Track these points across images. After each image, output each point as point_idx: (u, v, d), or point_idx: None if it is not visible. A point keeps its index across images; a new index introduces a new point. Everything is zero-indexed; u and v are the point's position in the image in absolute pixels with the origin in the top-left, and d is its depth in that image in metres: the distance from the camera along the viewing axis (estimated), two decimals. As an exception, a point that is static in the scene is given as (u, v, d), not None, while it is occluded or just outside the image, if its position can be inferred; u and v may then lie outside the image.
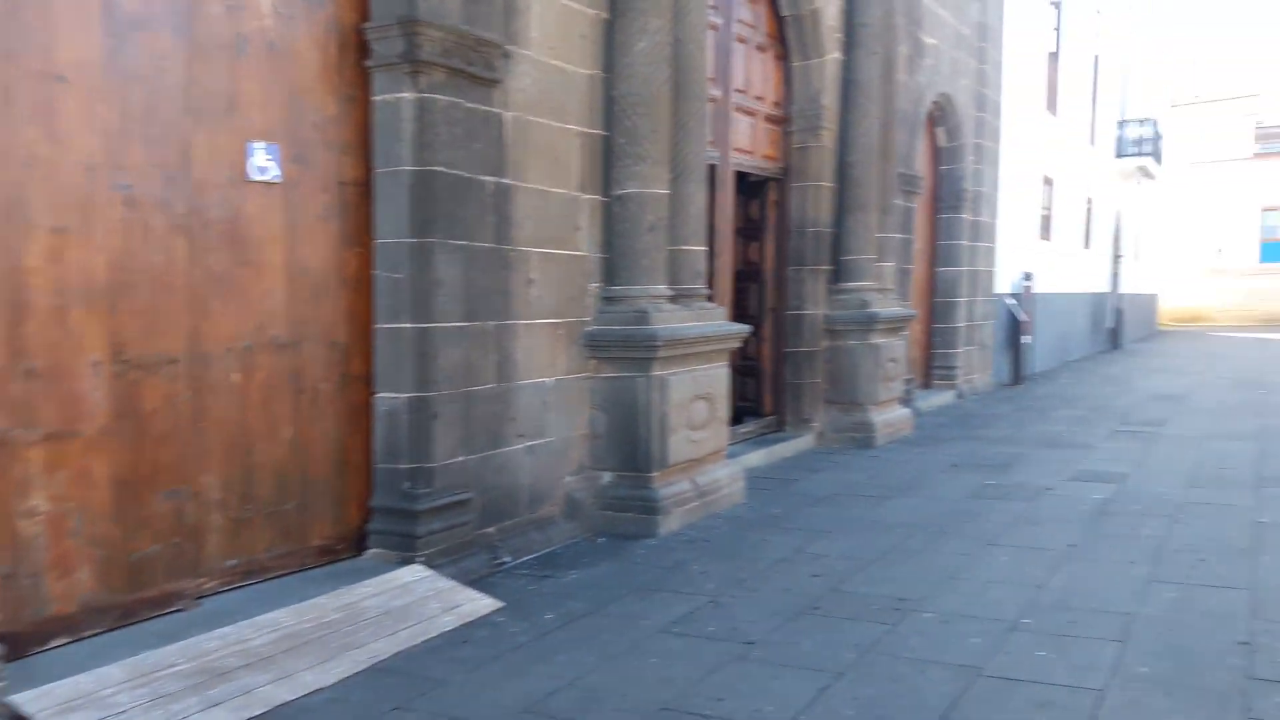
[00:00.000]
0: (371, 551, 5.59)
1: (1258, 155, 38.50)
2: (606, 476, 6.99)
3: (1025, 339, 16.55)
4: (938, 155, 13.69)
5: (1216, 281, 39.07)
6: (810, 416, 10.41)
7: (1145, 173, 26.06)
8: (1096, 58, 22.47)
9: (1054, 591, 5.42)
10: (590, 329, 6.88)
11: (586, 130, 6.80)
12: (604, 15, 6.83)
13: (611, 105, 6.91)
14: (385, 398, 5.56)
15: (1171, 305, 39.36)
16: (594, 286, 6.95)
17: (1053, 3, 18.42)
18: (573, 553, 6.42)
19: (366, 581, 5.16)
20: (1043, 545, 6.37)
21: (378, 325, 5.58)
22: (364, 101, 5.50)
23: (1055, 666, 4.37)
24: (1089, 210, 22.74)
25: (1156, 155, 26.94)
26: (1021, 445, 10.41)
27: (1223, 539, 6.44)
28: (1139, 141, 25.01)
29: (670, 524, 6.88)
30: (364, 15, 5.45)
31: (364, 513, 5.66)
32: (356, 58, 5.46)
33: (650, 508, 6.81)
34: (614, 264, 7.00)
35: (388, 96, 5.43)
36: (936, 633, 4.83)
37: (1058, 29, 18.76)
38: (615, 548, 6.52)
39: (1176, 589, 5.40)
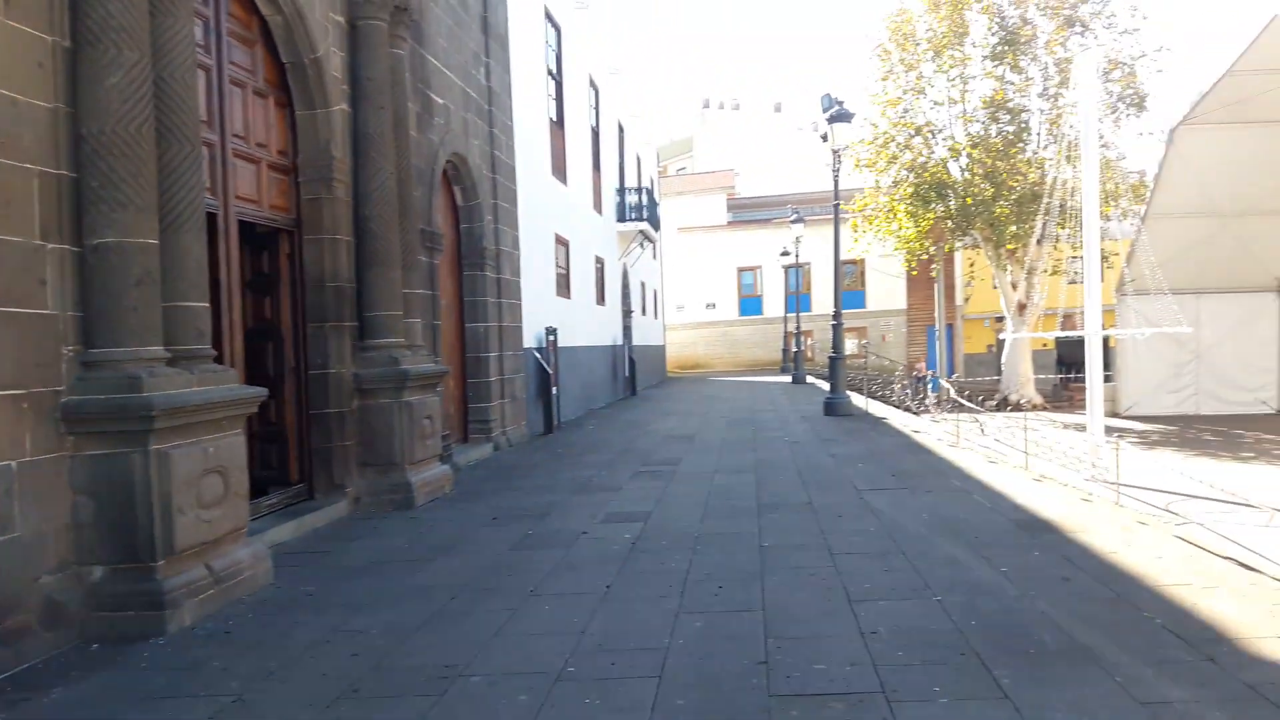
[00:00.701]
0: None
1: (731, 224, 45.09)
2: (98, 572, 5.92)
3: (554, 390, 17.40)
4: (458, 213, 13.96)
5: (710, 332, 44.83)
6: (344, 482, 9.85)
7: (645, 236, 29.11)
8: (595, 130, 24.71)
9: (595, 635, 5.54)
10: (67, 400, 5.82)
11: (49, 170, 5.80)
12: (65, 43, 5.92)
13: (82, 144, 5.98)
14: None
15: (676, 354, 44.36)
16: (69, 350, 5.91)
17: (552, 75, 19.90)
18: (58, 666, 5.32)
19: None
20: (582, 590, 6.54)
21: None
22: None
23: (600, 713, 4.41)
24: (601, 270, 24.78)
25: (653, 221, 30.24)
26: (557, 492, 10.78)
27: (736, 566, 7.09)
28: (637, 208, 27.91)
29: (183, 618, 5.99)
30: None
31: None
32: None
33: (155, 602, 5.88)
34: (95, 324, 6.01)
35: None
36: (485, 695, 4.66)
37: (558, 99, 20.28)
38: (113, 654, 5.51)
39: (703, 618, 5.80)
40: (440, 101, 12.50)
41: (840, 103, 17.83)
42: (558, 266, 19.82)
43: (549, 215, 19.00)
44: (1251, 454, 16.01)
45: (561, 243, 20.09)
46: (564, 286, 20.36)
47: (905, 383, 24.91)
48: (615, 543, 8.00)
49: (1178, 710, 4.23)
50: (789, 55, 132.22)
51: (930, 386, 25.50)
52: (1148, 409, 23.47)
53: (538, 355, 17.00)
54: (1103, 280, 26.00)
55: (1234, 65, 18.79)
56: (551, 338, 17.66)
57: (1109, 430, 15.53)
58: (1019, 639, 5.18)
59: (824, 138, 18.31)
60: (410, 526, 9.14)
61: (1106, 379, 24.77)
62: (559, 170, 20.12)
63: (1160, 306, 19.18)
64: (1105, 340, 23.99)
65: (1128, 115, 26.45)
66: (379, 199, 10.06)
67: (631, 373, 28.05)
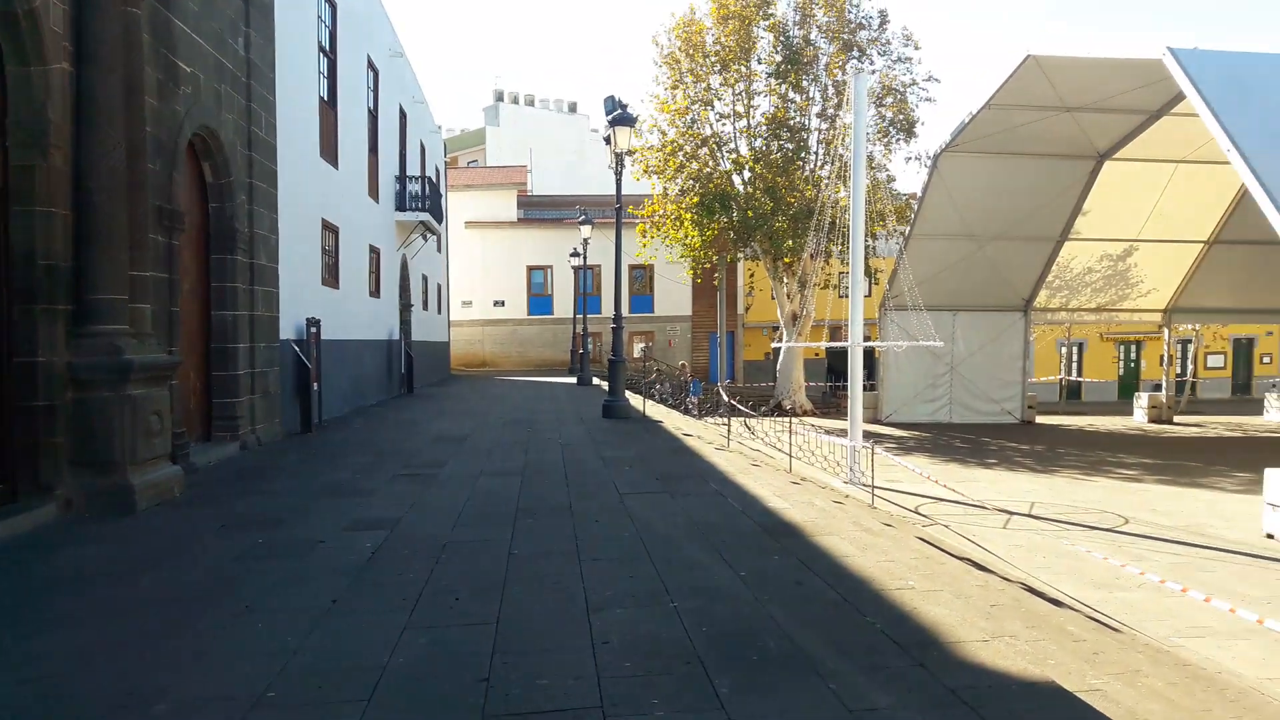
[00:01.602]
0: None
1: (522, 221, 44.80)
2: None
3: (315, 386, 16.56)
4: (206, 192, 12.98)
5: (498, 330, 44.35)
6: (53, 482, 8.89)
7: (428, 228, 28.37)
8: (373, 113, 23.83)
9: (308, 655, 5.18)
10: None
11: None
12: None
13: None
14: None
15: (462, 352, 43.58)
16: None
17: (325, 52, 18.99)
18: None
19: None
20: (305, 605, 6.13)
21: None
22: None
23: (295, 739, 4.09)
24: (377, 260, 23.90)
25: (437, 213, 29.51)
26: (303, 497, 10.18)
27: (479, 576, 6.88)
28: (419, 198, 27.13)
29: None
30: None
31: None
32: None
33: None
34: None
35: None
36: (165, 728, 4.23)
37: (331, 79, 19.38)
38: None
39: (430, 634, 5.54)
40: (188, 69, 11.56)
41: (624, 106, 17.98)
42: (325, 254, 18.91)
43: (316, 199, 18.09)
44: (995, 460, 17.45)
45: (330, 229, 19.19)
46: (332, 275, 19.46)
47: (661, 384, 25.51)
48: (354, 552, 7.60)
49: (883, 717, 4.39)
50: (587, 53, 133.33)
51: (692, 390, 26.25)
52: (906, 416, 25.19)
53: (297, 348, 16.12)
54: (869, 295, 27.66)
55: (991, 99, 20.47)
56: (314, 329, 16.79)
57: (869, 436, 16.50)
58: (745, 646, 5.27)
59: (607, 140, 18.41)
60: (126, 533, 8.35)
61: (870, 388, 26.43)
62: (329, 152, 19.21)
63: (919, 321, 20.51)
64: (870, 351, 25.66)
65: (898, 140, 28.28)
66: (104, 170, 9.16)
67: (408, 369, 27.25)
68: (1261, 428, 25.16)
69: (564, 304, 42.62)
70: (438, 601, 6.21)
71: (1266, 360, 41.44)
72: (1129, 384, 39.03)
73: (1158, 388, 29.59)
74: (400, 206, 26.72)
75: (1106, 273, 26.77)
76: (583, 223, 31.64)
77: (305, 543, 7.94)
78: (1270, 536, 10.50)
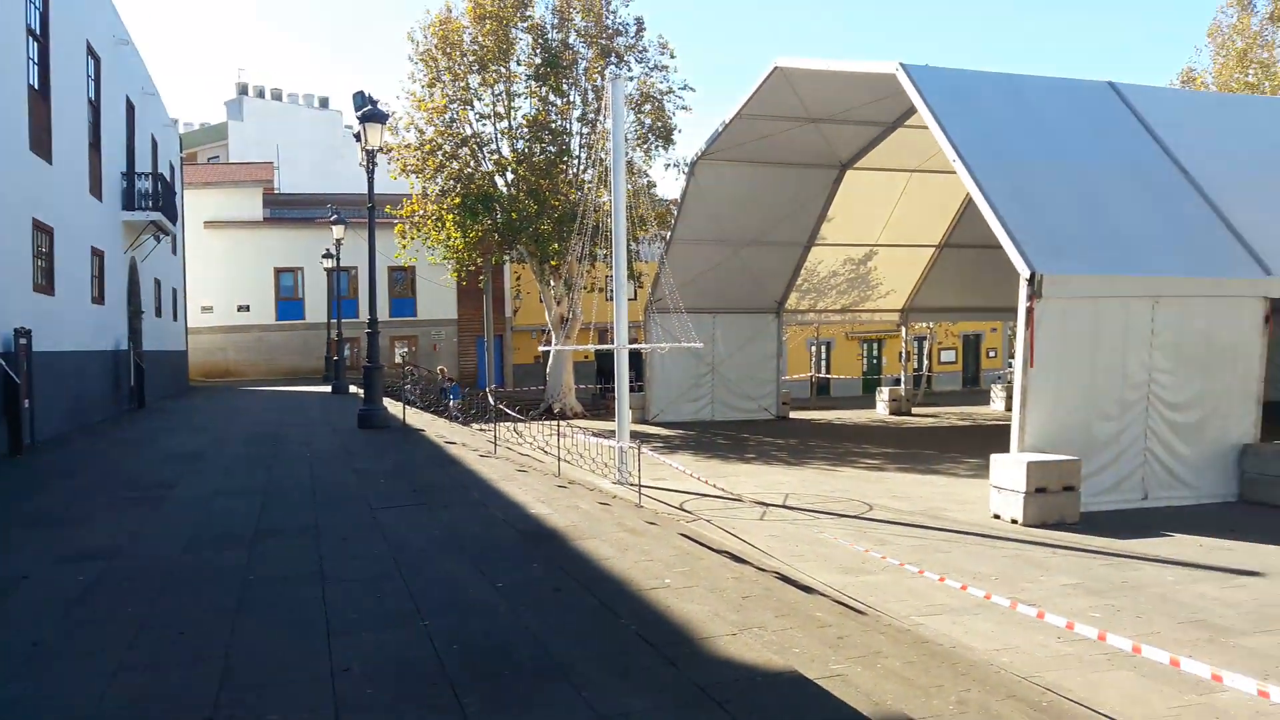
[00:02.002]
0: None
1: (269, 220, 42.35)
2: None
3: (26, 402, 14.84)
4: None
5: (242, 337, 41.69)
6: None
7: (160, 229, 26.23)
8: (94, 104, 21.75)
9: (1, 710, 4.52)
10: None
11: None
12: None
13: None
14: None
15: (202, 361, 40.63)
16: None
17: (35, 36, 17.10)
18: None
19: None
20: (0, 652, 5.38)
21: None
22: None
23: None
24: (100, 264, 21.81)
25: (171, 212, 27.34)
26: (3, 527, 9.03)
27: (209, 606, 6.30)
28: (150, 196, 25.01)
29: None
30: None
31: None
32: None
33: None
34: None
35: None
36: None
37: (42, 65, 17.48)
38: None
39: (148, 674, 4.99)
40: None
41: (374, 101, 17.32)
42: (38, 258, 17.02)
43: (26, 197, 16.25)
44: (754, 455, 18.14)
45: (43, 230, 17.29)
46: (47, 281, 17.54)
47: (413, 387, 24.89)
48: (64, 587, 6.78)
49: (636, 720, 4.34)
50: (340, 47, 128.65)
51: (451, 395, 25.81)
52: (673, 416, 25.82)
53: (2, 362, 14.39)
54: (635, 298, 28.06)
55: (742, 109, 21.31)
56: (24, 341, 15.06)
57: (637, 436, 16.71)
58: (498, 660, 5.08)
59: (357, 136, 17.67)
60: None
61: (639, 388, 26.92)
62: (41, 146, 17.29)
63: (681, 324, 21.02)
64: (638, 353, 26.13)
65: (657, 146, 28.94)
66: None
67: (139, 382, 25.05)
68: (989, 416, 27.67)
69: (317, 308, 40.62)
70: (159, 637, 5.62)
71: (992, 354, 45.80)
72: (872, 379, 41.94)
73: (897, 382, 31.94)
74: (128, 205, 24.50)
75: (850, 276, 28.59)
76: (335, 222, 30.26)
77: (4, 580, 7.00)
78: (997, 517, 11.46)
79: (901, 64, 14.45)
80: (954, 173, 13.27)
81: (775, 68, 19.44)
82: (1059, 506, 11.16)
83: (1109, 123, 14.95)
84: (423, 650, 5.26)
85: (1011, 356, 13.93)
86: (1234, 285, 12.59)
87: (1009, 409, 12.78)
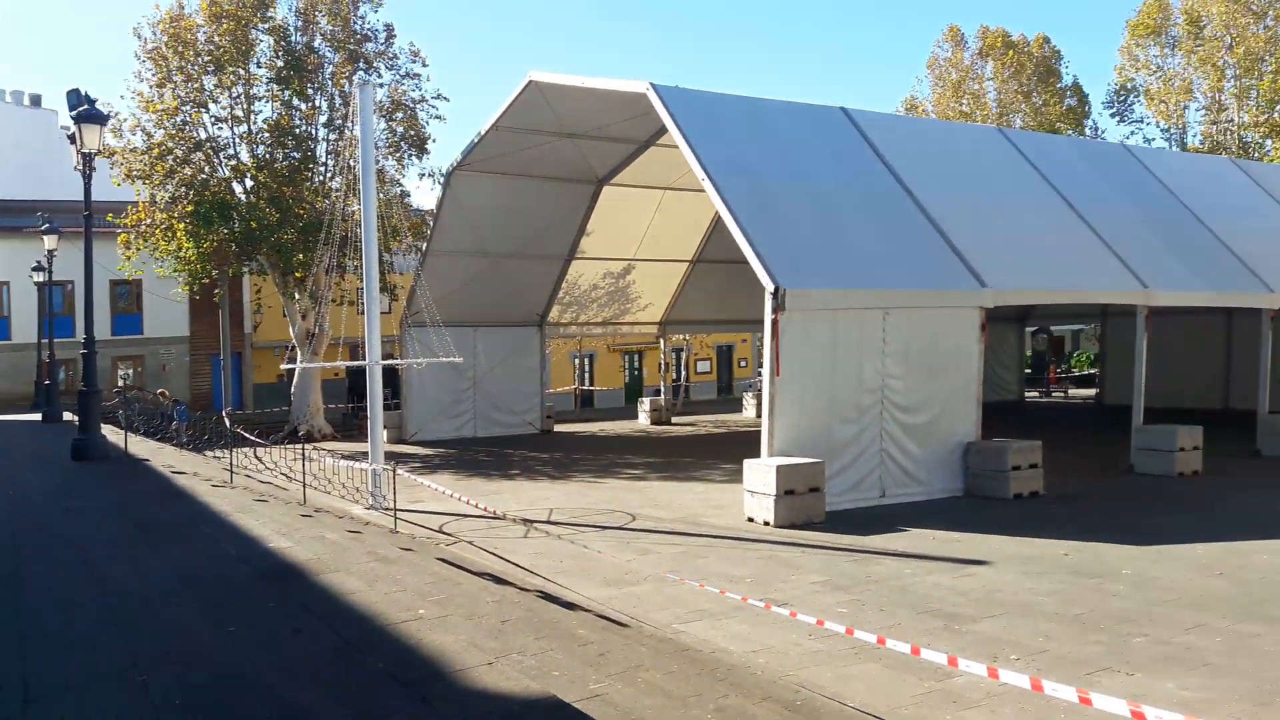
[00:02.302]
0: None
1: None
2: None
3: None
4: None
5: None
6: None
7: None
8: None
9: None
10: None
11: None
12: None
13: None
14: None
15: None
16: None
17: None
18: None
19: None
20: None
21: None
22: None
23: None
24: None
25: None
26: None
27: None
28: None
29: None
30: None
31: None
32: None
33: None
34: None
35: None
36: None
37: None
38: None
39: None
40: None
41: (91, 101, 15.76)
42: None
43: None
44: (518, 471, 17.92)
45: None
46: None
47: (129, 410, 23.00)
48: None
49: (384, 765, 4.04)
50: (55, 40, 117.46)
51: (178, 417, 24.03)
52: (432, 434, 25.11)
53: None
54: (389, 311, 27.18)
55: (498, 120, 21.10)
56: None
57: (393, 457, 16.06)
58: (225, 713, 4.61)
59: (72, 139, 16.02)
60: None
61: (395, 406, 26.03)
62: None
63: (440, 338, 20.50)
64: (394, 369, 25.26)
65: (410, 155, 28.18)
66: None
67: None
68: (742, 423, 28.84)
69: (26, 327, 36.53)
70: None
71: (743, 364, 47.96)
72: (634, 390, 42.80)
73: (658, 392, 32.69)
74: None
75: (610, 289, 29.00)
76: (46, 231, 27.34)
77: None
78: (751, 520, 11.86)
79: (652, 84, 14.79)
80: (704, 190, 13.71)
81: (530, 81, 19.41)
82: (807, 507, 11.69)
83: (842, 146, 15.97)
84: (138, 710, 4.68)
85: (761, 366, 14.70)
86: (955, 297, 13.70)
87: (759, 415, 13.30)
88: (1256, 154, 36.52)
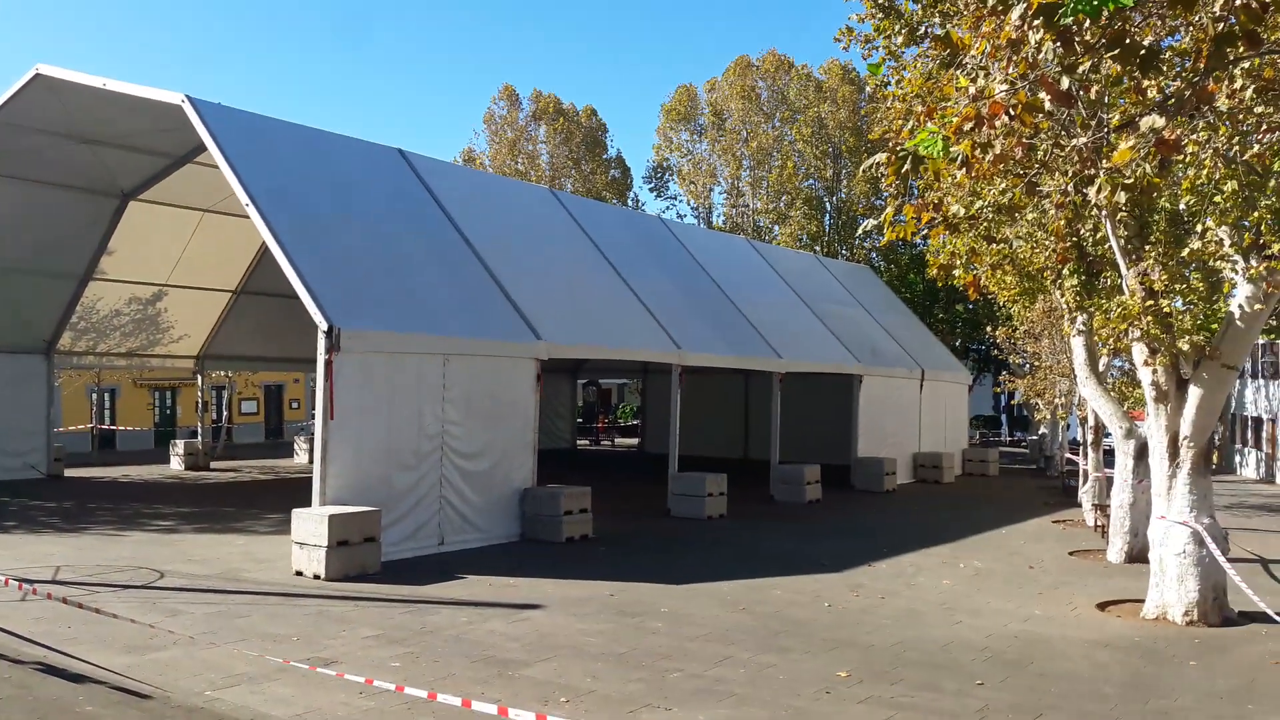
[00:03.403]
0: None
1: None
2: None
3: None
4: None
5: None
6: None
7: None
8: None
9: None
10: None
11: None
12: None
13: None
14: None
15: None
16: None
17: None
18: None
19: None
20: None
21: None
22: None
23: None
24: None
25: None
26: None
27: None
28: None
29: None
30: None
31: None
32: None
33: None
34: None
35: None
36: None
37: None
38: None
39: None
40: None
41: None
42: None
43: None
44: (15, 523, 15.43)
45: None
46: None
47: None
48: None
49: None
50: None
51: None
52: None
53: None
54: None
55: (-4, 115, 18.30)
56: None
57: None
58: None
59: None
60: None
61: None
62: None
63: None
64: None
65: None
66: None
67: None
68: (292, 469, 27.32)
69: None
70: None
71: (295, 405, 45.58)
72: (166, 431, 38.84)
73: (195, 434, 29.99)
74: None
75: (137, 316, 26.14)
76: None
77: None
78: (300, 573, 11.21)
79: (189, 97, 13.75)
80: (248, 217, 12.96)
81: (37, 74, 17.15)
82: (361, 558, 11.35)
83: (401, 188, 16.03)
84: None
85: (314, 409, 13.97)
86: (512, 348, 14.23)
87: (312, 461, 12.74)
88: (767, 236, 42.38)
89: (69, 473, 24.35)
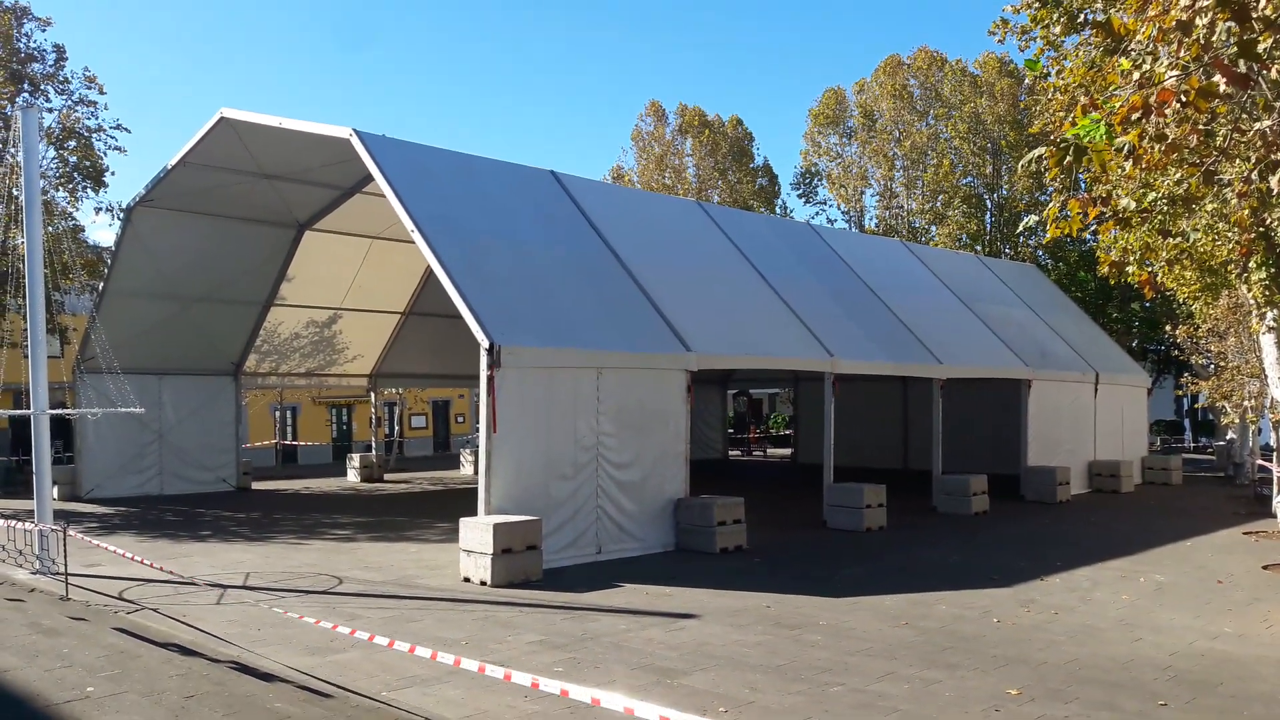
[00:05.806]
0: None
1: None
2: None
3: None
4: None
5: None
6: None
7: None
8: None
9: None
10: None
11: None
12: None
13: None
14: None
15: None
16: None
17: None
18: None
19: None
20: None
21: None
22: None
23: None
24: None
25: None
26: None
27: None
28: None
29: None
30: None
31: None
32: None
33: None
34: None
35: None
36: None
37: None
38: None
39: None
40: None
41: None
42: None
43: None
44: (210, 532, 16.56)
45: None
46: None
47: None
48: None
49: None
50: None
51: None
52: (112, 491, 22.73)
53: None
54: (60, 355, 24.53)
55: (185, 156, 19.74)
56: None
57: (64, 516, 14.37)
58: None
59: None
60: None
61: (69, 460, 23.37)
62: None
63: (119, 386, 18.80)
64: (67, 420, 22.66)
65: (85, 187, 25.72)
66: None
67: None
68: (459, 480, 28.35)
69: None
70: None
71: (461, 420, 47.29)
72: (342, 446, 40.93)
73: (369, 448, 31.48)
74: None
75: (314, 338, 27.73)
76: None
77: None
78: (467, 580, 11.63)
79: (356, 130, 14.49)
80: (414, 242, 13.55)
81: (221, 118, 18.43)
82: (524, 566, 11.66)
83: (553, 209, 16.41)
84: None
85: (479, 422, 14.50)
86: (662, 360, 14.33)
87: (477, 472, 13.20)
88: (923, 238, 41.22)
89: (255, 486, 26.03)
